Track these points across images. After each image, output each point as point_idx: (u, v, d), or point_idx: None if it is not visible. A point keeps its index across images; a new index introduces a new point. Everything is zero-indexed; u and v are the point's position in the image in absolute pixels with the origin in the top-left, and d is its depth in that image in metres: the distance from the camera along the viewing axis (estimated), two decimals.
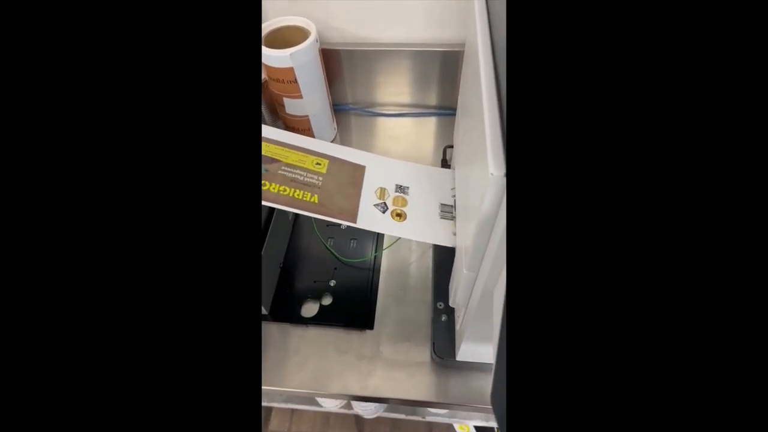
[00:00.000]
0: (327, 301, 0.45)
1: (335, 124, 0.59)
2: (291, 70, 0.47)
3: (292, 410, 0.95)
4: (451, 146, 0.50)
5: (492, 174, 0.19)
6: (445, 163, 0.52)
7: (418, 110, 0.62)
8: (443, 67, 0.57)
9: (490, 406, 0.38)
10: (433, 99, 0.61)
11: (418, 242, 0.48)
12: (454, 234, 0.40)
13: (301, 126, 0.54)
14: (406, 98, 0.62)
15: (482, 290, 0.26)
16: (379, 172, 0.45)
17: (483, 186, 0.21)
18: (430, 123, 0.61)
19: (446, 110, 0.61)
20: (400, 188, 0.44)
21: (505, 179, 0.19)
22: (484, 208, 0.21)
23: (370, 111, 0.62)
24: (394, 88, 0.61)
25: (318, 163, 0.43)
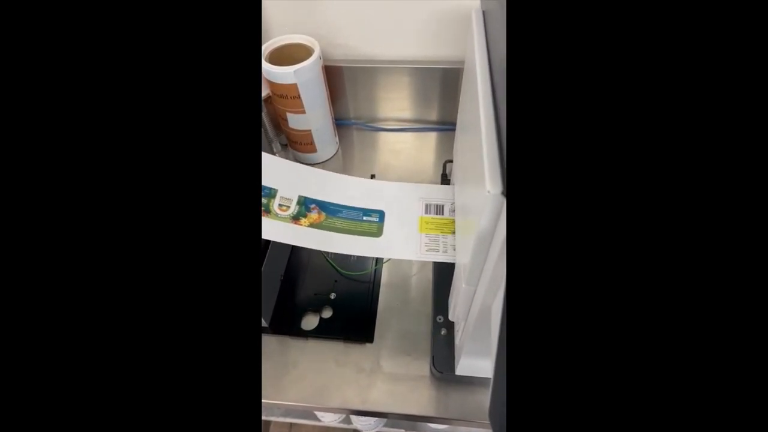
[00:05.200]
0: (327, 313, 0.45)
1: (337, 138, 0.60)
2: (294, 86, 0.48)
3: (291, 424, 0.95)
4: (451, 161, 0.51)
5: (489, 192, 0.20)
6: (445, 178, 0.52)
7: (419, 125, 0.63)
8: (443, 84, 0.58)
9: (489, 422, 0.38)
10: (433, 114, 0.62)
11: None
12: None
13: (303, 140, 0.55)
14: (407, 113, 0.63)
15: (481, 305, 0.26)
16: None
17: (480, 203, 0.21)
18: (431, 138, 0.62)
19: (446, 125, 0.62)
20: None
21: (501, 197, 0.20)
22: (482, 225, 0.21)
23: (372, 126, 0.63)
24: (396, 103, 0.62)
25: None
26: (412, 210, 0.45)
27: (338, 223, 0.43)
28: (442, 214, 0.44)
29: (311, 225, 0.42)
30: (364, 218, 0.44)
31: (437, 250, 0.40)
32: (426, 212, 0.44)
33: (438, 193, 0.46)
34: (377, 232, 0.43)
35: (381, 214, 0.44)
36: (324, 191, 0.45)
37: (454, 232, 0.42)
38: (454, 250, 0.40)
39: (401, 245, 0.42)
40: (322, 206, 0.44)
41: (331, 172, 0.47)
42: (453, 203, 0.45)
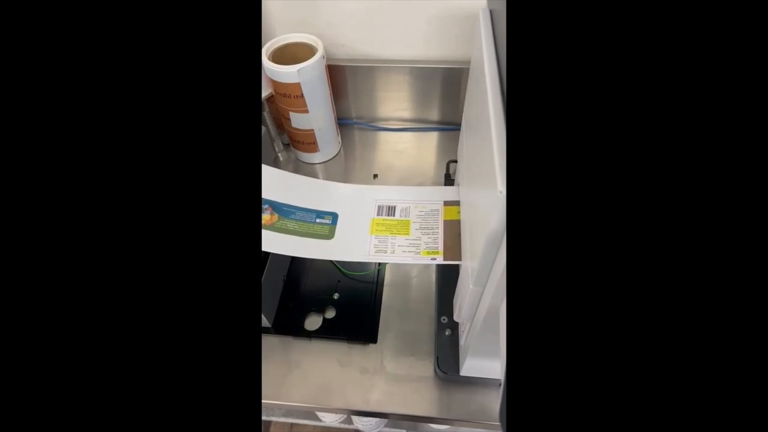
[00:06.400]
0: (330, 314, 0.45)
1: (340, 138, 0.60)
2: (298, 85, 0.48)
3: (291, 424, 0.94)
4: (455, 161, 0.51)
5: (501, 192, 0.20)
6: (449, 178, 0.52)
7: (420, 125, 0.63)
8: (445, 84, 0.58)
9: (495, 422, 0.38)
10: (434, 114, 0.62)
11: None
12: None
13: (306, 139, 0.55)
14: (408, 113, 0.63)
15: (488, 306, 0.26)
16: None
17: (491, 204, 0.21)
18: (432, 138, 0.62)
19: (448, 125, 0.62)
20: None
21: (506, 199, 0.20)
22: (492, 226, 0.21)
23: (374, 125, 0.63)
24: (397, 103, 0.62)
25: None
26: (364, 212, 0.45)
27: (290, 224, 0.42)
28: (393, 216, 0.44)
29: (263, 227, 0.41)
30: (317, 220, 0.43)
31: (385, 252, 0.41)
32: (378, 214, 0.44)
33: (391, 193, 0.46)
34: (329, 234, 0.42)
35: (334, 216, 0.44)
36: (278, 191, 0.44)
37: (402, 234, 0.42)
38: (403, 251, 0.40)
39: (351, 247, 0.41)
40: (275, 207, 0.42)
41: (285, 172, 0.46)
42: (405, 203, 0.45)
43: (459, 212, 0.43)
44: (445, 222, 0.42)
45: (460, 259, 0.39)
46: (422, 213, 0.44)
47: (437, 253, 0.40)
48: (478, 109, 0.30)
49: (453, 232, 0.41)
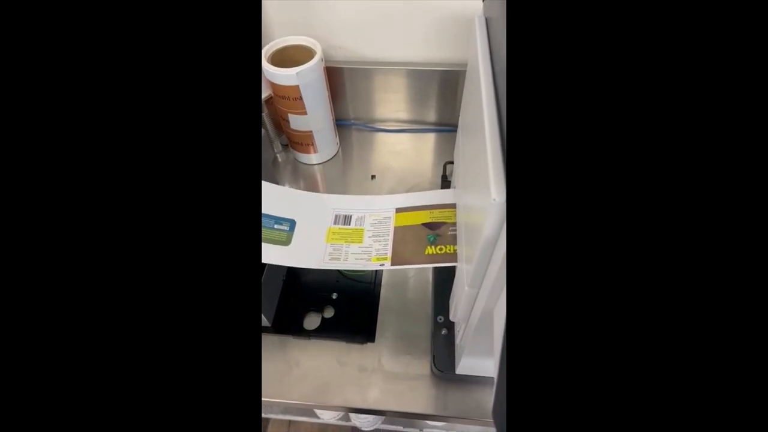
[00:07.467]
0: (329, 313, 0.45)
1: (338, 139, 0.60)
2: (296, 88, 0.49)
3: (290, 422, 0.95)
4: (451, 162, 0.52)
5: (494, 200, 0.20)
6: (445, 180, 0.53)
7: (418, 126, 0.63)
8: (442, 86, 0.58)
9: (489, 419, 0.39)
10: (432, 116, 0.63)
11: None
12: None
13: (304, 141, 0.56)
14: (406, 115, 0.63)
15: (483, 306, 0.26)
16: None
17: (485, 210, 0.22)
18: (429, 139, 0.63)
19: (445, 127, 0.63)
20: None
21: (506, 204, 0.20)
22: (486, 231, 0.22)
23: (372, 126, 0.64)
24: (395, 105, 0.62)
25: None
26: (322, 220, 0.46)
27: None
28: (349, 224, 0.46)
29: None
30: (275, 226, 0.44)
31: (339, 259, 0.42)
32: (335, 223, 0.46)
33: (349, 202, 0.48)
34: (286, 241, 0.43)
35: (292, 223, 0.45)
36: None
37: (356, 242, 0.44)
38: (356, 259, 0.42)
39: (306, 254, 0.43)
40: None
41: None
42: (361, 212, 0.46)
43: (410, 218, 0.45)
44: (396, 228, 0.44)
45: (407, 264, 0.41)
46: (375, 221, 0.46)
47: (386, 258, 0.42)
48: (472, 114, 0.30)
49: (402, 238, 0.43)
